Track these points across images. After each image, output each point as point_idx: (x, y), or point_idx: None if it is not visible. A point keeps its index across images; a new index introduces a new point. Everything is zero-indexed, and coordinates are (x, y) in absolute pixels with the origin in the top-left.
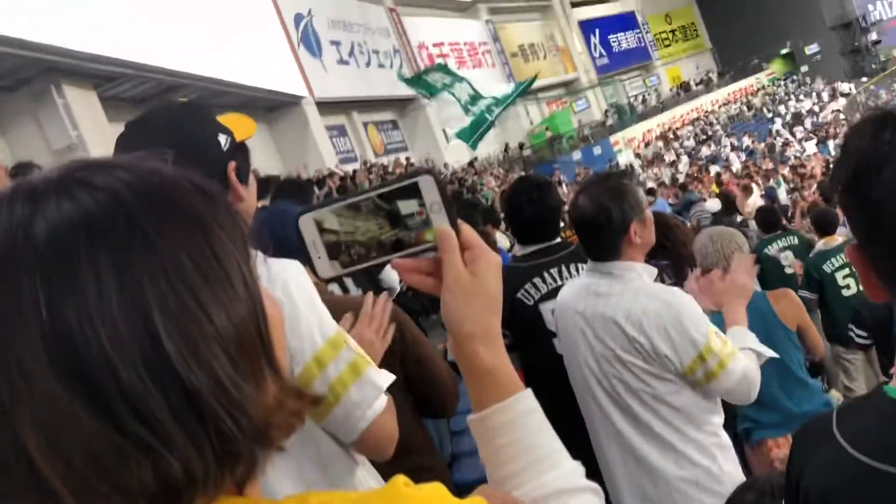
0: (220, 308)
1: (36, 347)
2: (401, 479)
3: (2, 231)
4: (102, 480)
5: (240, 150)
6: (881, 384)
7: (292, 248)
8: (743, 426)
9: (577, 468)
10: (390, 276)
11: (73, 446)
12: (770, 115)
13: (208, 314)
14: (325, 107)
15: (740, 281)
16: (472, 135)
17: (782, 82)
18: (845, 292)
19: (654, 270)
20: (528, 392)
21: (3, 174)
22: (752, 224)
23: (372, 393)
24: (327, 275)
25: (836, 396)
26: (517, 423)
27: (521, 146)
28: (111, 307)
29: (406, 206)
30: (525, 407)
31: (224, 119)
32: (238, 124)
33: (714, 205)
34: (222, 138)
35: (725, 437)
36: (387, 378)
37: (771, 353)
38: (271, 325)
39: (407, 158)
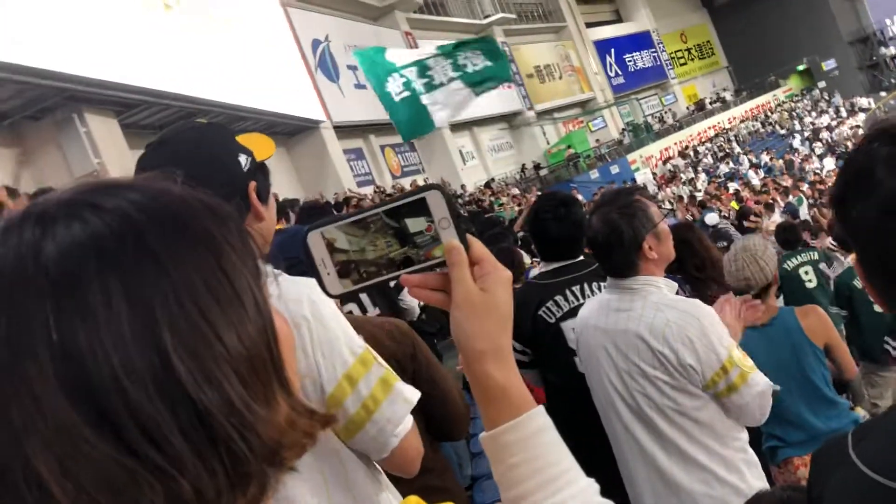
0: (231, 328)
1: (46, 371)
2: (413, 500)
3: (12, 254)
4: None
5: (260, 170)
6: (895, 405)
7: (306, 267)
8: (768, 444)
9: (592, 486)
10: (410, 298)
11: (85, 471)
12: (787, 132)
13: (219, 335)
14: (343, 130)
15: (726, 321)
16: (412, 124)
17: (800, 99)
18: (877, 308)
19: (675, 284)
20: (540, 409)
21: (4, 194)
22: (773, 240)
23: (403, 407)
24: (337, 291)
25: (863, 414)
26: (529, 441)
27: (536, 167)
28: (121, 329)
29: (414, 223)
30: (537, 425)
31: (243, 139)
32: (257, 144)
33: (713, 218)
34: (243, 158)
35: (752, 454)
36: (415, 393)
37: (775, 387)
38: (282, 345)
39: (425, 180)
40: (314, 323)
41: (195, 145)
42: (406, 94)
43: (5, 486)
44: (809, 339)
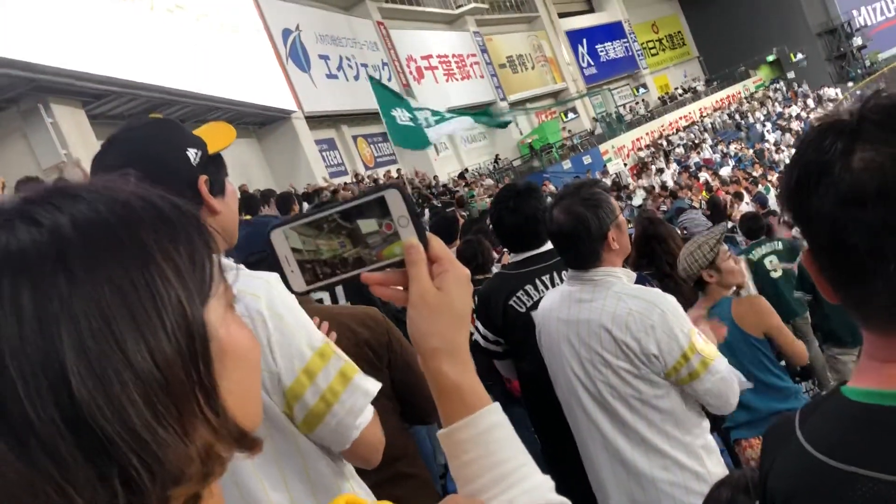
0: (145, 349)
1: None
2: (343, 499)
3: None
4: None
5: (212, 163)
6: (839, 384)
7: (272, 263)
8: (725, 425)
9: (547, 482)
10: None
11: None
12: (757, 122)
13: (127, 356)
14: (315, 121)
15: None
16: (407, 139)
17: (770, 88)
18: None
19: (634, 275)
20: (495, 406)
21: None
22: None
23: (362, 399)
24: (300, 289)
25: None
26: (482, 438)
27: (496, 159)
28: (26, 349)
29: (368, 223)
30: (490, 422)
31: (201, 130)
32: (215, 134)
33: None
34: (191, 152)
35: (712, 440)
36: (375, 385)
37: (745, 382)
38: (227, 358)
39: (398, 170)
40: (270, 317)
41: (139, 144)
42: (409, 123)
43: None
44: (741, 328)
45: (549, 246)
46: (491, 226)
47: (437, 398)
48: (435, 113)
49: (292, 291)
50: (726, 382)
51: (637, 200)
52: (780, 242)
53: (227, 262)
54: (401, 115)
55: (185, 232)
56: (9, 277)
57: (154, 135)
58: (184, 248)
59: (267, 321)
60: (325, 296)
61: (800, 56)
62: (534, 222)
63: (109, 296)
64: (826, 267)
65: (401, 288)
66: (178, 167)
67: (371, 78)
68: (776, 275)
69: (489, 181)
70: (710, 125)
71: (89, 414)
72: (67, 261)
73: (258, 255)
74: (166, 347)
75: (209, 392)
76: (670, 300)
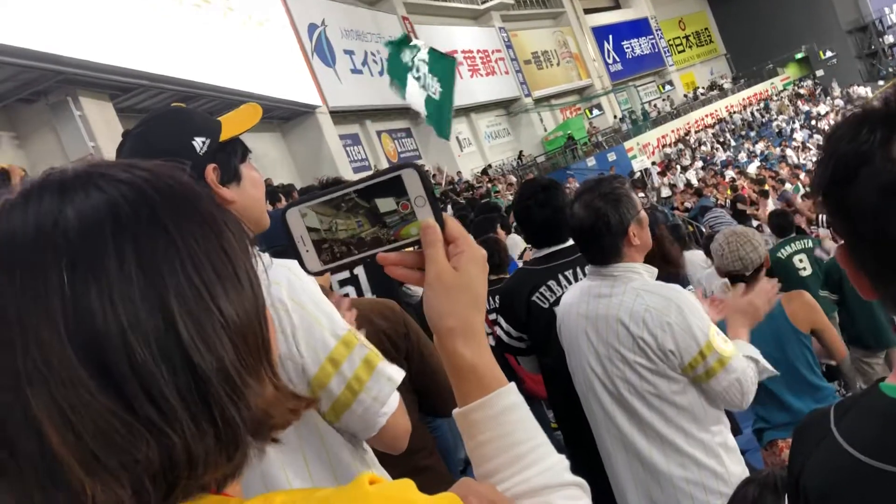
0: (230, 302)
1: (57, 324)
2: (366, 477)
3: (32, 220)
4: (110, 456)
5: (223, 150)
6: (878, 381)
7: (287, 245)
8: (755, 426)
9: (561, 462)
10: (415, 288)
11: (85, 422)
12: (782, 119)
13: (220, 306)
14: (339, 116)
15: (757, 303)
16: (441, 123)
17: (798, 86)
18: None
19: (655, 270)
20: (511, 387)
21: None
22: (767, 229)
23: (387, 386)
24: (316, 269)
25: None
26: (498, 418)
27: (520, 155)
28: (131, 291)
29: (386, 202)
30: (506, 403)
31: (228, 115)
32: (236, 118)
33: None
34: (198, 142)
35: (731, 439)
36: (399, 372)
37: (772, 370)
38: (270, 329)
39: (421, 166)
40: (293, 306)
41: (145, 138)
42: (424, 93)
43: (5, 436)
44: (793, 324)
45: (572, 241)
46: (515, 222)
47: (452, 378)
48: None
49: (308, 272)
50: (743, 382)
51: (665, 192)
52: (809, 240)
53: (255, 249)
54: (413, 87)
55: (230, 211)
56: (109, 227)
57: (158, 128)
58: (235, 225)
59: (290, 310)
60: (352, 290)
61: (829, 53)
62: (563, 215)
63: (198, 250)
64: (867, 261)
65: (416, 269)
66: (183, 157)
67: (388, 44)
68: (806, 273)
69: (512, 177)
70: (739, 121)
71: (192, 352)
72: (160, 217)
73: (278, 248)
74: (246, 302)
75: (269, 350)
76: (689, 297)
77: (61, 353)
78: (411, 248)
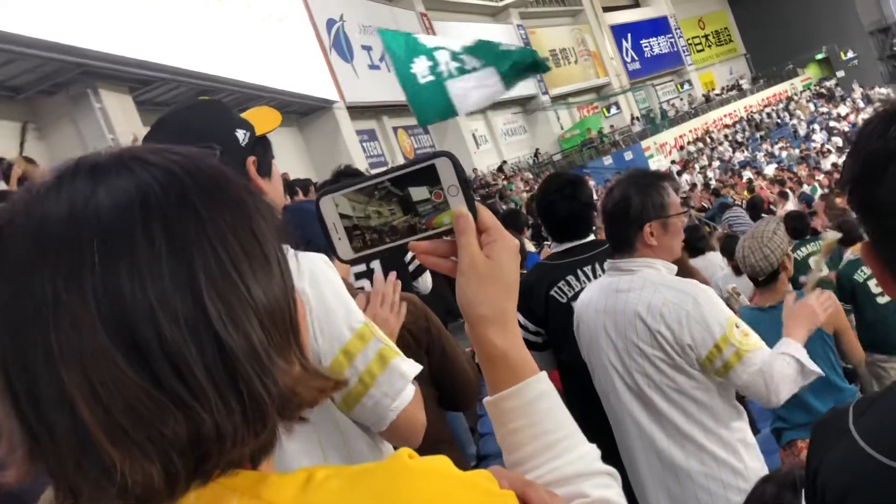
0: (258, 283)
1: (88, 302)
2: (405, 452)
3: (66, 201)
4: (139, 431)
5: (260, 144)
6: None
7: (319, 245)
8: (774, 426)
9: (593, 451)
10: (426, 282)
11: (115, 397)
12: (800, 121)
13: (248, 286)
14: (356, 111)
15: (811, 308)
16: (431, 109)
17: (819, 87)
18: (880, 300)
19: (674, 268)
20: (542, 375)
21: (23, 165)
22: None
23: (400, 382)
24: (348, 256)
25: None
26: (529, 407)
27: (536, 153)
28: (161, 268)
29: (419, 191)
30: (537, 391)
31: (247, 114)
32: (261, 118)
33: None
34: (240, 133)
35: (750, 435)
36: (414, 367)
37: (817, 371)
38: (298, 312)
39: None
40: (313, 297)
41: (189, 125)
42: (430, 78)
43: (39, 411)
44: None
45: (591, 237)
46: (535, 214)
47: (483, 366)
48: (454, 56)
49: (340, 260)
50: (765, 375)
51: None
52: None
53: None
54: (422, 71)
55: (260, 195)
56: (140, 208)
57: (204, 114)
58: (266, 210)
59: (310, 299)
60: (367, 283)
61: (850, 54)
62: (588, 209)
63: (227, 231)
64: (894, 258)
65: (447, 258)
66: (227, 147)
67: (381, 31)
68: (821, 274)
69: (528, 175)
70: (757, 122)
71: (220, 329)
72: (190, 198)
73: (304, 240)
74: (274, 282)
75: (297, 332)
76: (707, 291)
77: (92, 330)
78: (445, 238)
